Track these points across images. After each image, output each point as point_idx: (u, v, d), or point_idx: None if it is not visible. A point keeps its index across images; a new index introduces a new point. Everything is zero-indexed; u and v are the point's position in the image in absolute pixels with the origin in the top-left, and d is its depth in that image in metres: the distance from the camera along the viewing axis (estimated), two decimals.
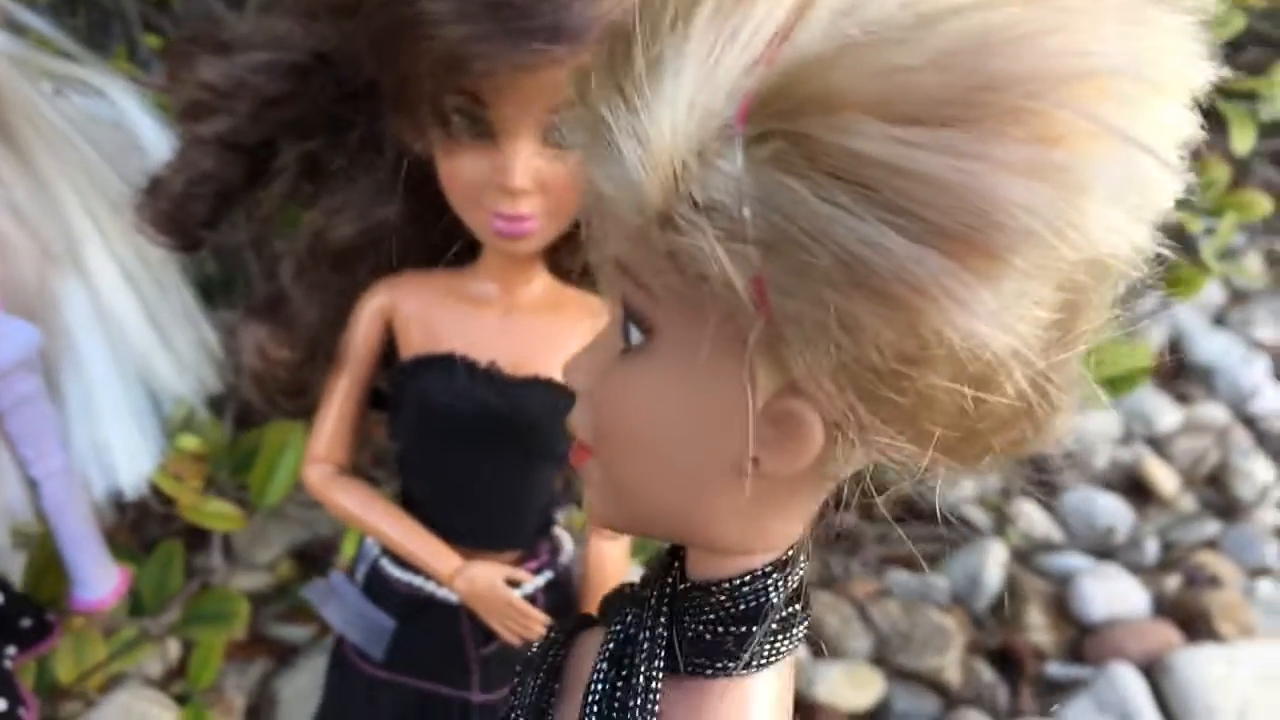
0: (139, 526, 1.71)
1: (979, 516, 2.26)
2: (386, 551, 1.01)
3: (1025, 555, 2.18)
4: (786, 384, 0.46)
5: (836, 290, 0.41)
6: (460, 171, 0.87)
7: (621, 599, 0.60)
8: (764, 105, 0.42)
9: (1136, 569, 2.14)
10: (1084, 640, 2.00)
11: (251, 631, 1.85)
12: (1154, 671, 1.90)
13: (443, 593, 0.99)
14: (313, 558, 2.03)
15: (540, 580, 1.01)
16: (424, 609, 1.00)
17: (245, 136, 0.93)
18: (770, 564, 0.54)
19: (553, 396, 0.94)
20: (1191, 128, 0.44)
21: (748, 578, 0.54)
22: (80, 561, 1.14)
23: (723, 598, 0.54)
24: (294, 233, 0.99)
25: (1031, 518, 2.27)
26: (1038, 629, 2.01)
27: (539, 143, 0.84)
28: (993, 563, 2.10)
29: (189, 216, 0.96)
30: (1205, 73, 0.43)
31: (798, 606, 0.55)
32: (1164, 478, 2.37)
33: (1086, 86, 0.39)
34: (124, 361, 1.10)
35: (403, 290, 0.98)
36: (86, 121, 1.07)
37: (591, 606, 1.01)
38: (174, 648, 1.73)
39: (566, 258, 0.96)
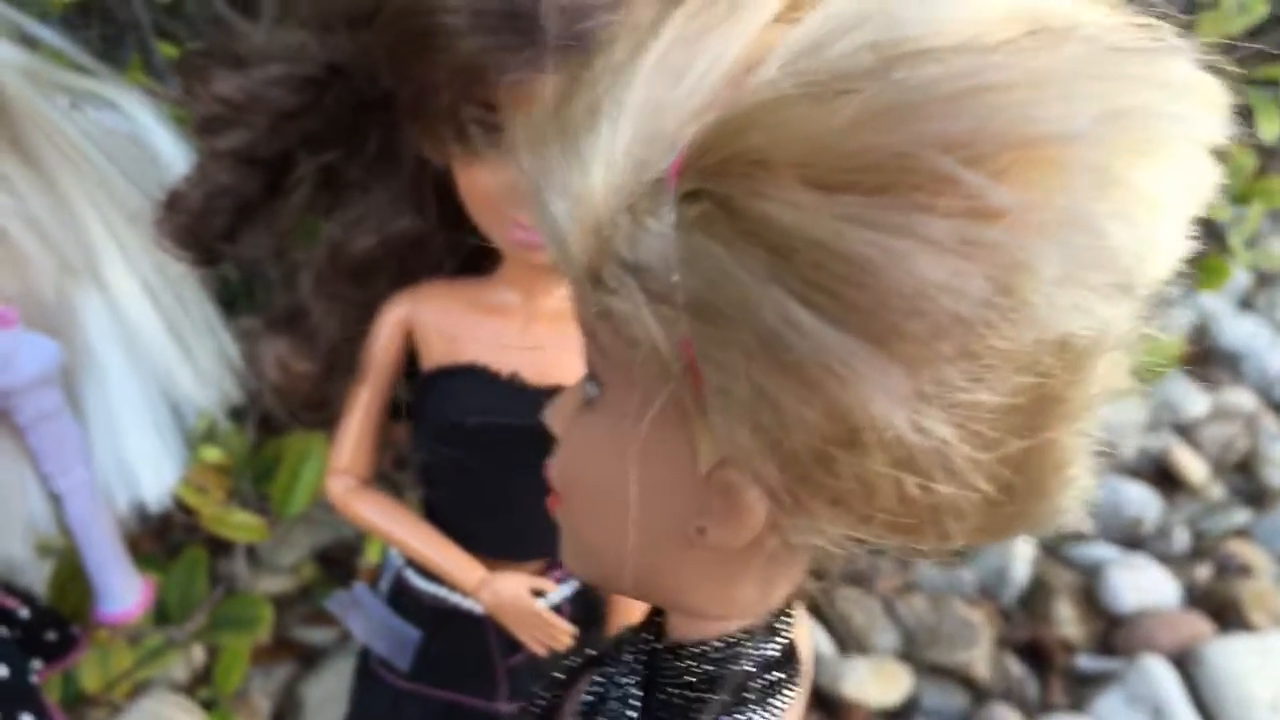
0: (162, 533, 1.71)
1: None
2: (410, 562, 1.01)
3: (1053, 547, 2.16)
4: (724, 456, 0.43)
5: (756, 365, 0.38)
6: (479, 182, 0.86)
7: (619, 645, 0.58)
8: (696, 160, 0.39)
9: (1166, 559, 2.12)
10: (1114, 632, 1.98)
11: (276, 635, 1.85)
12: (1186, 663, 1.88)
13: (468, 604, 0.98)
14: (336, 561, 2.03)
15: (566, 590, 1.00)
16: (449, 620, 0.99)
17: (262, 150, 0.93)
18: (745, 630, 0.51)
19: None
20: (1195, 189, 0.40)
21: (718, 643, 0.51)
22: (105, 575, 1.14)
23: (691, 661, 0.51)
24: (312, 244, 0.98)
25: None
26: (1067, 621, 1.99)
27: None
28: (1020, 555, 2.08)
29: (207, 231, 0.96)
30: (1206, 130, 0.39)
31: (782, 674, 0.52)
32: (1193, 466, 2.35)
33: (1035, 153, 0.35)
34: (145, 374, 1.09)
35: (423, 301, 0.97)
36: (103, 135, 1.06)
37: (617, 617, 1.01)
38: (199, 653, 1.73)
39: None
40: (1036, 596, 2.04)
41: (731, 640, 0.51)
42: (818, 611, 1.97)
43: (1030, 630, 1.96)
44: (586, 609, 1.03)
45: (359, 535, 2.03)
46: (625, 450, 0.46)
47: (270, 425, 1.34)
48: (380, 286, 0.97)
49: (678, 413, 0.43)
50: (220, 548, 1.69)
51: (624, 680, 0.53)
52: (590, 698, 0.55)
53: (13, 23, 1.05)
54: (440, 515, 0.98)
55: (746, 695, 0.51)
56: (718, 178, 0.38)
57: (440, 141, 0.85)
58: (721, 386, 0.40)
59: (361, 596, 1.03)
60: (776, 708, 0.51)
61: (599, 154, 0.41)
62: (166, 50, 1.24)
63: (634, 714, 0.52)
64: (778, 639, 0.52)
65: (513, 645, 0.98)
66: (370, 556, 1.52)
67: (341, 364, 0.97)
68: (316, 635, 1.89)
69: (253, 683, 1.77)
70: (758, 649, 0.51)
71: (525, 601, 0.94)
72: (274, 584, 1.95)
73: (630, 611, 1.01)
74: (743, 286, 0.37)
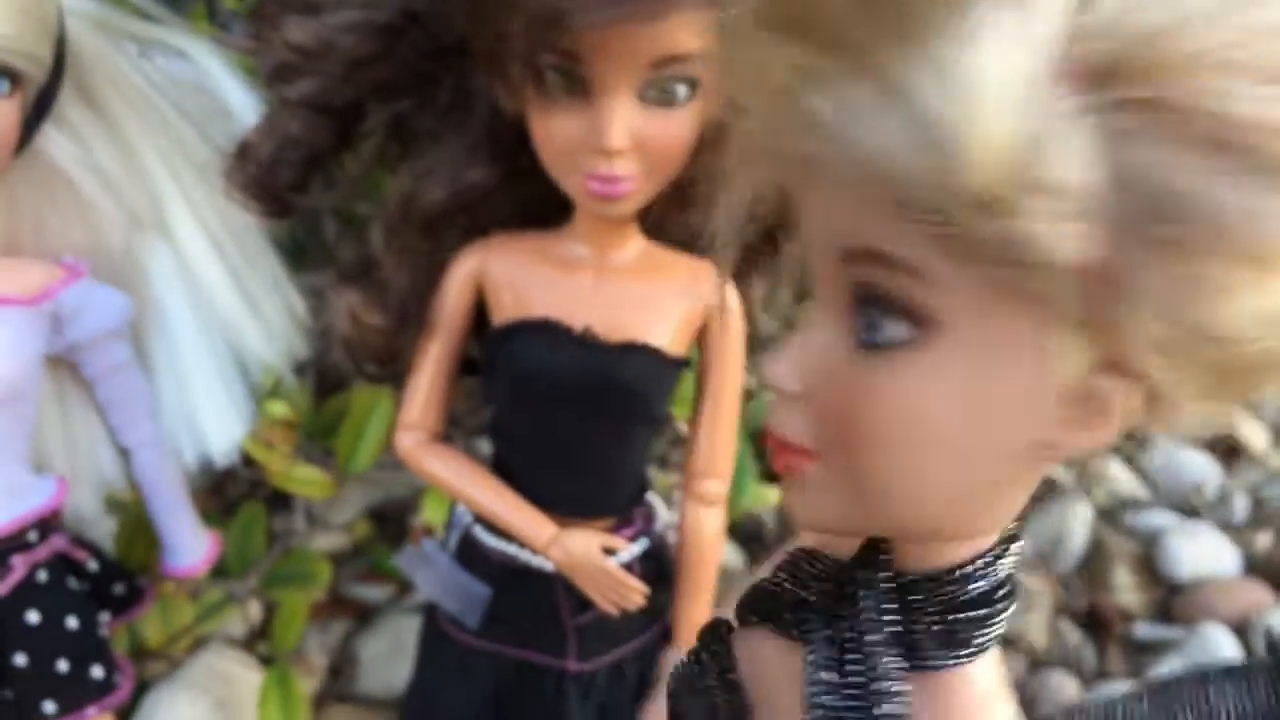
0: (219, 490, 1.71)
1: (1062, 474, 2.22)
2: (479, 519, 1.00)
3: (1110, 514, 2.13)
4: (1099, 361, 0.42)
5: (1207, 261, 0.38)
6: (554, 132, 0.85)
7: (775, 602, 0.56)
8: (1108, 71, 0.38)
9: (1226, 527, 2.08)
10: (1173, 600, 1.95)
11: (331, 592, 1.86)
12: (1246, 631, 1.85)
13: (538, 561, 0.97)
14: (389, 518, 2.03)
15: (636, 548, 0.99)
16: (519, 577, 0.99)
17: (334, 99, 0.91)
18: (997, 542, 0.50)
19: (650, 361, 0.92)
20: None
21: (979, 562, 0.50)
22: (172, 529, 1.14)
23: (952, 587, 0.50)
24: (379, 196, 0.97)
25: (1117, 476, 2.22)
26: (1125, 589, 1.97)
27: (636, 99, 0.82)
28: (1077, 522, 2.06)
29: (277, 181, 0.95)
30: None
31: (1010, 590, 0.52)
32: (1252, 433, 2.31)
33: None
34: (212, 329, 1.09)
35: (494, 254, 0.96)
36: (171, 85, 1.05)
37: (689, 576, 1.00)
38: (255, 609, 1.74)
39: (662, 218, 0.93)
40: (1094, 564, 2.01)
41: (992, 556, 0.50)
42: None
43: (1088, 598, 1.94)
44: (656, 567, 1.02)
45: (412, 493, 2.04)
46: (966, 382, 0.43)
47: (328, 385, 1.34)
48: (451, 239, 0.96)
49: (1045, 328, 0.41)
50: (277, 504, 1.70)
51: (873, 619, 0.51)
52: (824, 650, 0.52)
53: None
54: (510, 472, 0.97)
55: (992, 611, 0.50)
56: (1150, 84, 0.38)
57: (516, 89, 0.84)
58: (1146, 290, 0.39)
59: (431, 553, 1.02)
60: (1009, 613, 0.51)
61: (978, 62, 0.37)
62: (230, 2, 1.22)
63: (896, 655, 0.50)
64: (1010, 554, 0.51)
65: (582, 604, 0.98)
66: (426, 515, 1.51)
67: (412, 317, 0.96)
68: (371, 592, 1.90)
69: (308, 639, 1.77)
70: (1010, 558, 0.51)
71: (597, 559, 0.94)
72: (328, 541, 1.95)
73: (700, 567, 1.00)
74: (1192, 186, 0.37)
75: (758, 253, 0.93)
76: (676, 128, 0.84)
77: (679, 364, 0.94)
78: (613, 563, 0.95)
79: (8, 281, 0.98)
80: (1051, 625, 1.88)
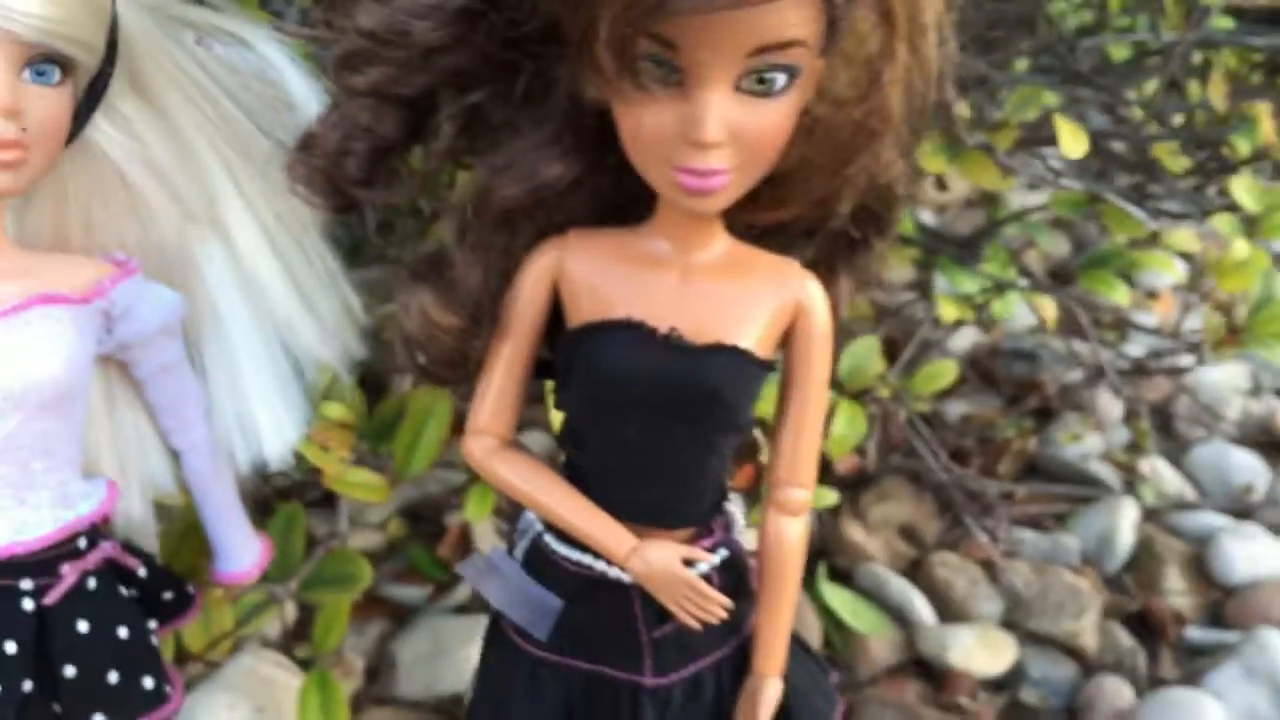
0: (256, 490, 1.68)
1: (1106, 473, 2.18)
2: (549, 527, 0.96)
3: (1158, 514, 2.09)
4: None
5: None
6: (645, 123, 0.81)
7: None
8: None
9: (1277, 528, 2.04)
10: (1226, 603, 1.91)
11: (366, 592, 1.82)
12: None
13: (614, 572, 0.93)
14: (425, 516, 1.99)
15: (715, 559, 0.95)
16: (593, 588, 0.94)
17: (404, 88, 0.87)
18: None
19: (738, 364, 0.88)
20: None
21: None
22: (223, 534, 1.10)
23: None
24: (451, 191, 0.93)
25: (1161, 474, 2.18)
26: (1176, 592, 1.93)
27: (732, 89, 0.78)
28: (1124, 522, 2.02)
29: (342, 175, 0.90)
30: None
31: None
32: None
33: None
34: (266, 327, 1.05)
35: (570, 250, 0.91)
36: (228, 73, 1.01)
37: (770, 588, 0.96)
38: (290, 609, 1.71)
39: (751, 215, 0.90)
40: (1143, 565, 1.97)
41: None
42: (916, 577, 1.92)
43: (1140, 600, 1.90)
44: (735, 579, 0.98)
45: (446, 492, 2.00)
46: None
47: (373, 385, 1.29)
48: (527, 234, 0.91)
49: None
50: (313, 504, 1.66)
51: None
52: None
53: None
54: (585, 479, 0.93)
55: None
56: None
57: (606, 78, 0.79)
58: None
59: (499, 562, 0.98)
60: None
61: None
62: None
63: None
64: None
65: (659, 616, 0.94)
66: (467, 513, 1.47)
67: (485, 317, 0.92)
68: (408, 593, 1.86)
69: (345, 640, 1.73)
70: None
71: (678, 570, 0.89)
72: (363, 540, 1.92)
73: (782, 579, 0.96)
74: None
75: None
76: (774, 119, 0.80)
77: (765, 366, 0.90)
78: (693, 574, 0.91)
79: (57, 278, 0.94)
80: (1102, 628, 1.84)
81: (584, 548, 0.93)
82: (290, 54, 1.02)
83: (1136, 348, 2.45)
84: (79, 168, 0.97)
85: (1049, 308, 1.78)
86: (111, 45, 0.93)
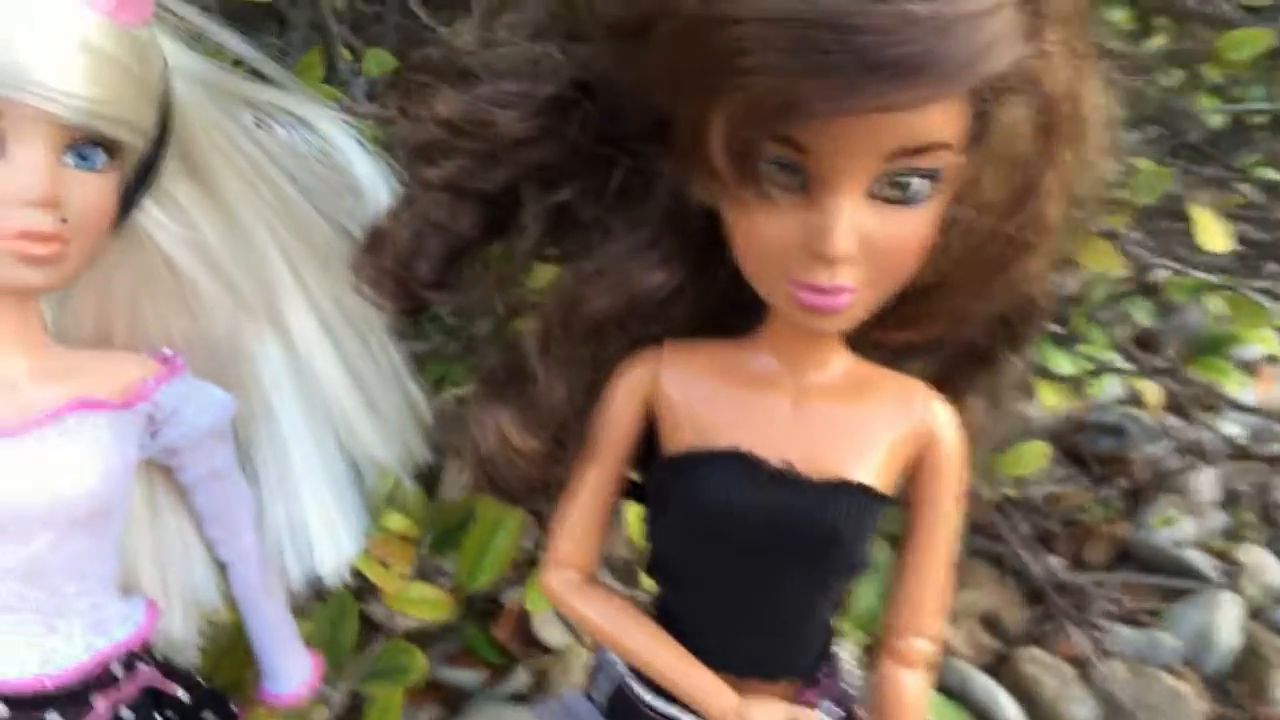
0: None
1: (1202, 562, 2.04)
2: (635, 670, 0.85)
3: (1263, 611, 1.95)
4: None
5: None
6: (764, 233, 0.70)
7: None
8: None
9: None
10: None
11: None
12: None
13: None
14: (480, 595, 1.89)
15: (824, 716, 0.84)
16: None
17: (485, 183, 0.78)
18: None
19: (859, 501, 0.77)
20: None
21: None
22: (272, 652, 1.01)
23: None
24: (531, 293, 0.83)
25: (1263, 565, 2.05)
26: None
27: (866, 196, 0.68)
28: (1227, 619, 1.89)
29: (413, 276, 0.81)
30: None
31: None
32: None
33: None
34: (324, 428, 0.96)
35: (666, 366, 0.81)
36: (288, 156, 0.92)
37: None
38: (339, 697, 1.61)
39: (879, 334, 0.79)
40: (1249, 669, 1.84)
41: None
42: (1001, 673, 1.79)
43: (1249, 711, 1.76)
44: None
45: (502, 575, 1.90)
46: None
47: (430, 484, 1.20)
48: (618, 345, 0.82)
49: None
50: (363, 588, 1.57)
51: None
52: None
53: (188, 22, 0.91)
54: (678, 622, 0.82)
55: None
56: None
57: (723, 183, 0.69)
58: None
59: (575, 707, 0.88)
60: None
61: None
62: (372, 67, 1.09)
63: None
64: None
65: None
66: (526, 600, 1.37)
67: (570, 439, 0.82)
68: (462, 676, 1.77)
69: None
70: None
71: None
72: (413, 620, 1.82)
73: None
74: None
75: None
76: (912, 230, 0.70)
77: (887, 501, 0.80)
78: None
79: (98, 381, 0.85)
80: None
81: (675, 698, 0.82)
82: (356, 136, 0.93)
83: (1233, 426, 2.32)
84: (125, 256, 0.89)
85: (1152, 391, 1.66)
86: (163, 124, 0.85)
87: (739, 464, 0.77)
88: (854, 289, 0.70)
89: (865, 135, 0.65)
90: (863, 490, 0.77)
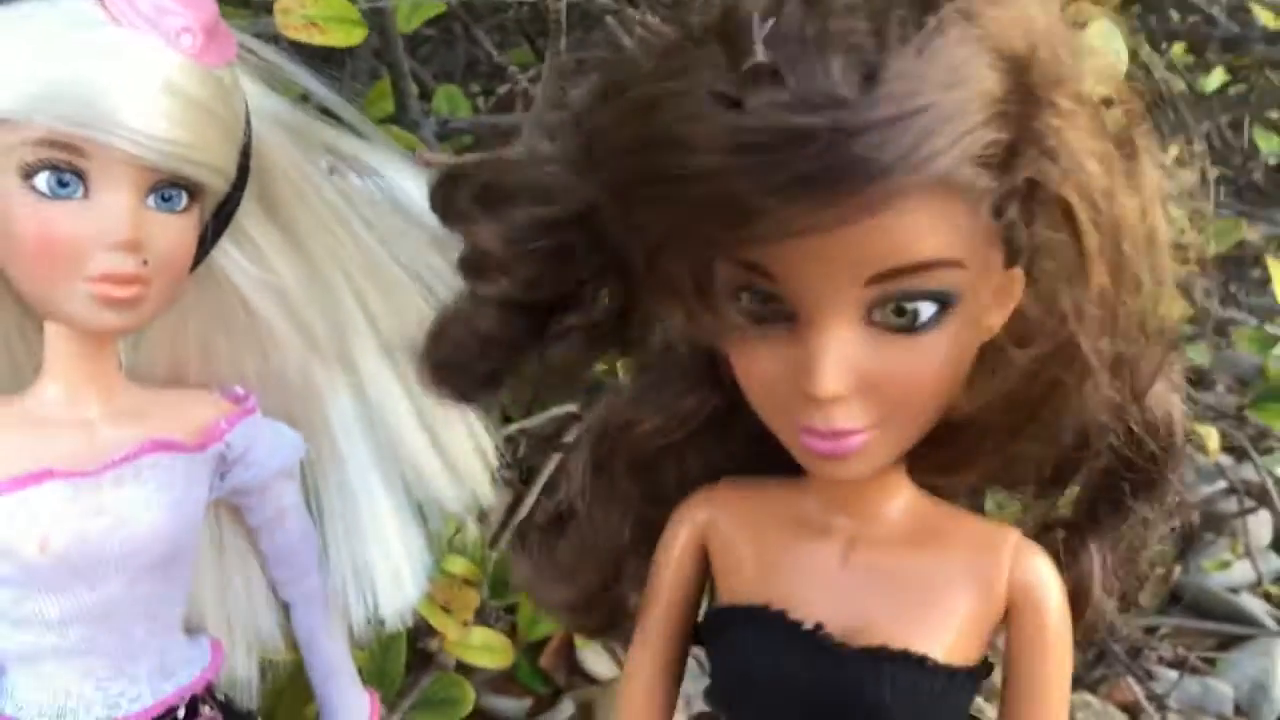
0: None
1: (1258, 607, 2.01)
2: None
3: None
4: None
5: None
6: (756, 372, 0.64)
7: None
8: None
9: None
10: None
11: None
12: None
13: None
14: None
15: None
16: None
17: (529, 298, 0.74)
18: None
19: (912, 674, 0.66)
20: None
21: None
22: (332, 693, 1.00)
23: None
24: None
25: None
26: None
27: (861, 325, 0.60)
28: None
29: (469, 376, 0.78)
30: None
31: None
32: None
33: None
34: (391, 470, 0.95)
35: (720, 506, 0.75)
36: (364, 201, 0.92)
37: None
38: None
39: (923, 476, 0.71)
40: None
41: None
42: None
43: None
44: None
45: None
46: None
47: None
48: (668, 482, 0.77)
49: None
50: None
51: None
52: None
53: (267, 61, 0.91)
54: None
55: None
56: None
57: (692, 314, 0.64)
58: None
59: None
60: None
61: None
62: (450, 103, 1.09)
63: None
64: None
65: None
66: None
67: (627, 577, 0.79)
68: (508, 705, 1.75)
69: None
70: None
71: None
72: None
73: None
74: None
75: None
76: (923, 361, 0.61)
77: (967, 675, 0.68)
78: None
79: (172, 421, 0.85)
80: None
81: None
82: (423, 181, 0.92)
83: None
84: (201, 296, 0.89)
85: (1211, 437, 1.63)
86: (243, 166, 0.85)
87: (767, 624, 0.69)
88: (860, 430, 0.62)
89: (836, 258, 0.57)
90: (916, 662, 0.66)
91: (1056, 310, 0.61)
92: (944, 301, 0.60)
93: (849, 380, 0.60)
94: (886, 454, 0.65)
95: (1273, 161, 2.08)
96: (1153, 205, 0.63)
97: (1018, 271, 0.62)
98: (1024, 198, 0.58)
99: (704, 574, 0.76)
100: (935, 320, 0.60)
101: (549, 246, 0.70)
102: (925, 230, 0.57)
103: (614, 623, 0.82)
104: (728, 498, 0.75)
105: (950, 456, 0.69)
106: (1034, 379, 0.64)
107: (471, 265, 0.75)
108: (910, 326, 0.60)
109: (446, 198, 0.76)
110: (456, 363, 0.77)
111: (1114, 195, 0.60)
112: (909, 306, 0.60)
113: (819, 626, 0.67)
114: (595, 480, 0.78)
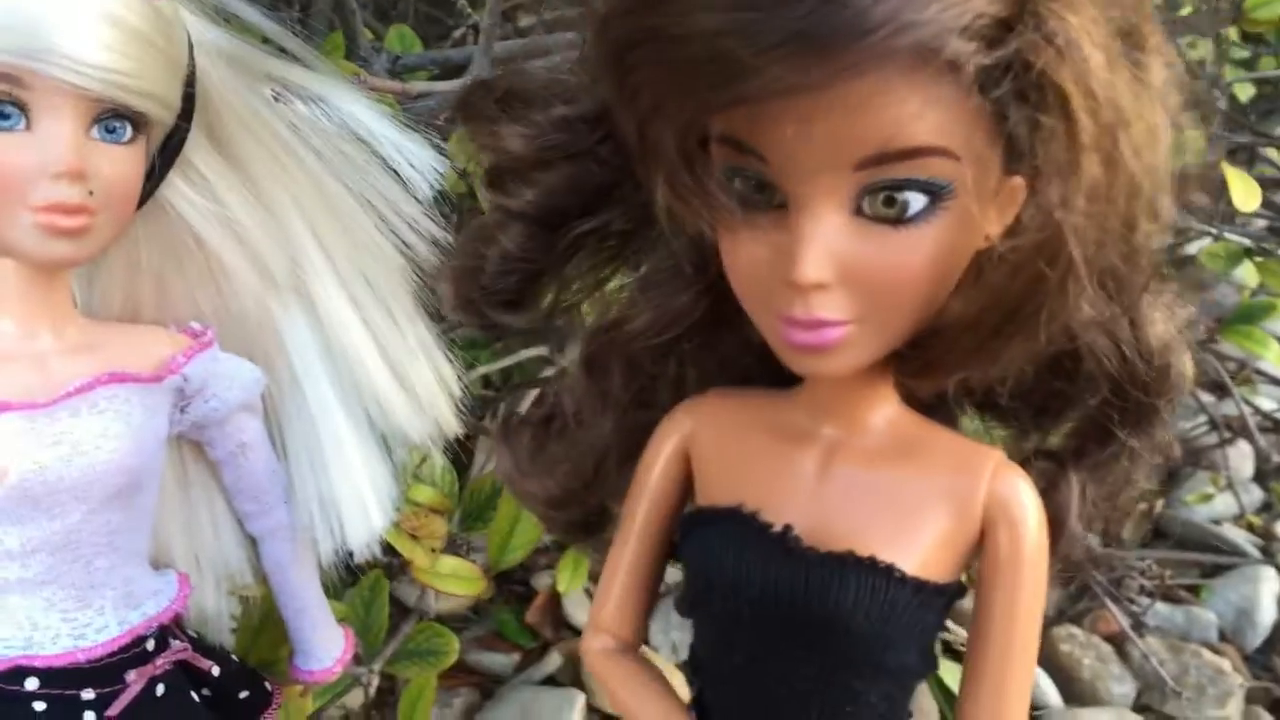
0: None
1: (1240, 538, 2.02)
2: None
3: None
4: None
5: None
6: (741, 257, 0.64)
7: None
8: None
9: None
10: None
11: None
12: None
13: None
14: (512, 578, 1.89)
15: None
16: None
17: (553, 205, 0.75)
18: None
19: (876, 584, 0.65)
20: None
21: None
22: (304, 628, 1.01)
23: None
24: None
25: None
26: None
27: (848, 213, 0.60)
28: (1266, 594, 1.87)
29: (493, 299, 0.79)
30: None
31: None
32: None
33: None
34: (353, 403, 0.95)
35: (707, 414, 0.75)
36: (311, 131, 0.92)
37: None
38: (373, 679, 1.61)
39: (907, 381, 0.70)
40: None
41: None
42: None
43: None
44: None
45: (536, 553, 1.90)
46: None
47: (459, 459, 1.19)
48: (659, 388, 0.78)
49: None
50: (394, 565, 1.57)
51: None
52: None
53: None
54: (707, 714, 0.74)
55: None
56: None
57: (683, 197, 0.63)
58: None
59: None
60: None
61: None
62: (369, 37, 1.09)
63: None
64: None
65: None
66: (559, 581, 1.37)
67: (614, 487, 0.80)
68: (495, 660, 1.76)
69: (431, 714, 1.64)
70: None
71: None
72: (444, 604, 1.82)
73: None
74: None
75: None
76: (908, 255, 0.60)
77: (936, 592, 0.67)
78: None
79: (128, 354, 0.86)
80: (1247, 715, 1.68)
81: None
82: (379, 111, 0.92)
83: (1266, 400, 2.29)
84: (152, 231, 0.89)
85: (1188, 366, 1.63)
86: (189, 98, 0.85)
87: (737, 525, 0.69)
88: (839, 322, 0.62)
89: (825, 139, 0.58)
90: (880, 570, 0.65)
91: (1045, 201, 0.59)
92: (934, 193, 0.59)
93: (832, 268, 0.60)
94: (868, 352, 0.65)
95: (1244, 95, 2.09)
96: (1155, 105, 0.62)
97: (1019, 181, 0.61)
98: (1016, 79, 0.56)
99: (687, 482, 0.77)
100: (925, 214, 0.60)
101: (569, 146, 0.72)
102: (915, 114, 0.56)
103: (590, 526, 0.84)
104: (715, 406, 0.76)
105: (930, 357, 0.67)
106: (1017, 272, 0.61)
107: (497, 175, 0.76)
108: (899, 218, 0.60)
109: (471, 105, 0.77)
110: (481, 285, 0.78)
111: (1115, 87, 0.58)
112: (899, 197, 0.59)
113: (788, 528, 0.67)
114: (587, 377, 0.79)
